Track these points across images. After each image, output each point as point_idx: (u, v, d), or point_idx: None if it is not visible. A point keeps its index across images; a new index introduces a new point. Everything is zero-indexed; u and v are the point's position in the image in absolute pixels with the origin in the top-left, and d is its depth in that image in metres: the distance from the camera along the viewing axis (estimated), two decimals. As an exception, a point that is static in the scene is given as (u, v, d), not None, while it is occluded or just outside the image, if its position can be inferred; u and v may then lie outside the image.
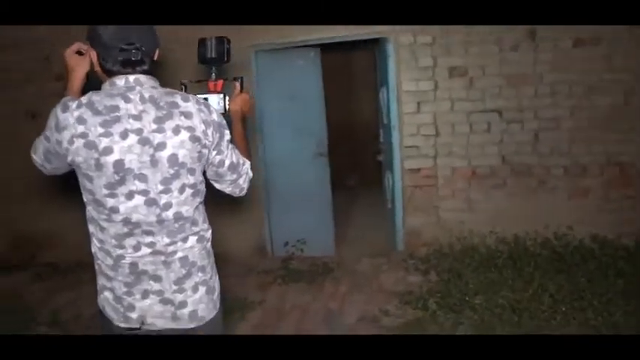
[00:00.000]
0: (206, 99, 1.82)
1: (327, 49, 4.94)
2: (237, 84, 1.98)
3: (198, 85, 1.95)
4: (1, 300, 4.33)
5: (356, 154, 7.96)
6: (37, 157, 1.65)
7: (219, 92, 1.92)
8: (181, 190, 1.59)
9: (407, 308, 3.78)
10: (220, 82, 1.94)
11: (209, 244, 1.75)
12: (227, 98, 1.90)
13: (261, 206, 5.03)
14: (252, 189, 4.82)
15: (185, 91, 1.77)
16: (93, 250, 1.66)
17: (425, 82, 4.47)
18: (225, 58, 1.91)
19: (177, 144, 1.54)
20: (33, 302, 4.36)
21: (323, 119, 4.90)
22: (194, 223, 1.66)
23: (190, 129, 1.55)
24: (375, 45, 5.04)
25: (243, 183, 1.81)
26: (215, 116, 1.65)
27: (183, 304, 1.64)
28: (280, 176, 4.93)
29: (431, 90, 4.47)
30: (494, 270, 4.10)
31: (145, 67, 1.58)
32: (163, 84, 1.67)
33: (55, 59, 5.22)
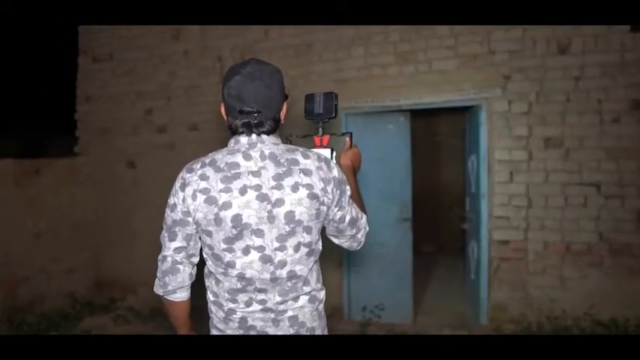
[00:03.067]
0: None
1: (416, 114, 4.94)
2: (348, 139, 1.99)
3: (303, 140, 1.96)
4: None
5: (435, 221, 7.84)
6: (162, 251, 1.65)
7: (325, 147, 1.91)
8: (296, 248, 1.58)
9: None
10: (327, 137, 1.93)
11: (321, 305, 1.73)
12: (334, 153, 1.89)
13: (340, 268, 4.97)
14: (334, 251, 4.83)
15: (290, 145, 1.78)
16: (208, 305, 1.69)
17: (519, 151, 4.34)
18: (333, 114, 1.91)
19: (295, 201, 1.54)
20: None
21: (409, 184, 4.85)
22: (306, 282, 1.65)
23: (309, 186, 1.56)
24: (466, 112, 5.00)
25: (362, 237, 1.80)
26: (336, 172, 1.64)
27: None
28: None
29: (524, 160, 4.33)
30: (590, 355, 3.79)
31: (265, 129, 1.59)
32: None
33: (156, 112, 5.55)
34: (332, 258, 4.88)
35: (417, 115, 5.44)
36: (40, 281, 5.26)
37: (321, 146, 1.92)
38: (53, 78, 7.31)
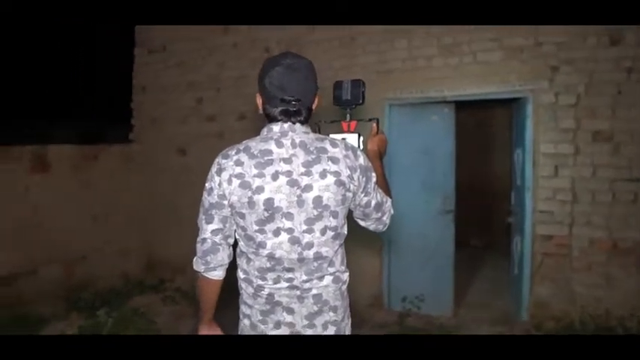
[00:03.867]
0: (343, 139, 1.89)
1: (461, 106, 4.90)
2: (374, 124, 2.06)
3: (331, 125, 2.03)
4: (137, 317, 4.68)
5: (483, 214, 7.71)
6: (201, 234, 1.76)
7: (352, 132, 1.99)
8: (323, 231, 1.68)
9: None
10: (354, 122, 2.02)
11: (344, 286, 1.81)
12: (361, 138, 1.96)
13: (381, 258, 5.01)
14: (374, 240, 4.87)
15: (319, 130, 1.86)
16: (238, 282, 1.80)
17: (565, 144, 4.23)
18: (361, 101, 1.99)
19: (322, 187, 1.64)
20: (162, 323, 4.67)
21: (452, 176, 4.81)
22: (331, 264, 1.74)
23: (336, 173, 1.65)
24: (513, 104, 4.91)
25: (387, 219, 1.90)
26: (362, 160, 1.73)
27: None
28: (403, 229, 4.88)
29: (571, 154, 4.22)
30: (634, 357, 3.68)
31: (302, 118, 1.71)
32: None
33: (206, 102, 5.74)
34: (372, 248, 4.92)
35: (468, 106, 5.36)
36: (95, 261, 5.56)
37: (349, 131, 2.00)
38: (111, 69, 7.67)
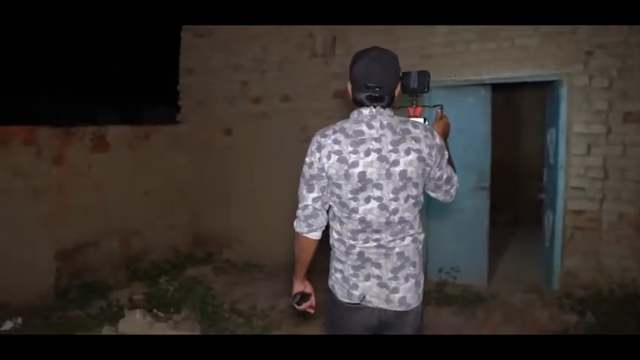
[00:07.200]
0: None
1: (496, 88, 5.15)
2: (439, 110, 2.39)
3: (399, 111, 2.28)
4: (196, 285, 5.08)
5: (513, 192, 7.96)
6: (303, 201, 2.06)
7: (418, 117, 2.29)
8: (406, 199, 2.00)
9: (562, 345, 3.82)
10: (419, 108, 2.32)
11: (420, 245, 2.14)
12: (426, 122, 2.25)
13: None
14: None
15: None
16: (330, 242, 2.14)
17: (597, 125, 4.50)
18: (426, 89, 2.26)
19: (407, 162, 1.95)
20: (216, 290, 5.07)
21: (488, 155, 5.11)
22: (411, 227, 2.06)
23: (418, 151, 1.96)
24: (547, 86, 5.16)
25: (454, 192, 2.21)
26: (438, 140, 2.05)
27: (395, 290, 2.04)
28: (441, 205, 5.14)
29: (603, 134, 4.49)
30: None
31: (384, 103, 2.01)
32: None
33: (252, 84, 6.04)
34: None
35: (500, 88, 5.62)
36: (147, 235, 5.96)
37: (415, 116, 2.30)
38: (159, 53, 7.97)
